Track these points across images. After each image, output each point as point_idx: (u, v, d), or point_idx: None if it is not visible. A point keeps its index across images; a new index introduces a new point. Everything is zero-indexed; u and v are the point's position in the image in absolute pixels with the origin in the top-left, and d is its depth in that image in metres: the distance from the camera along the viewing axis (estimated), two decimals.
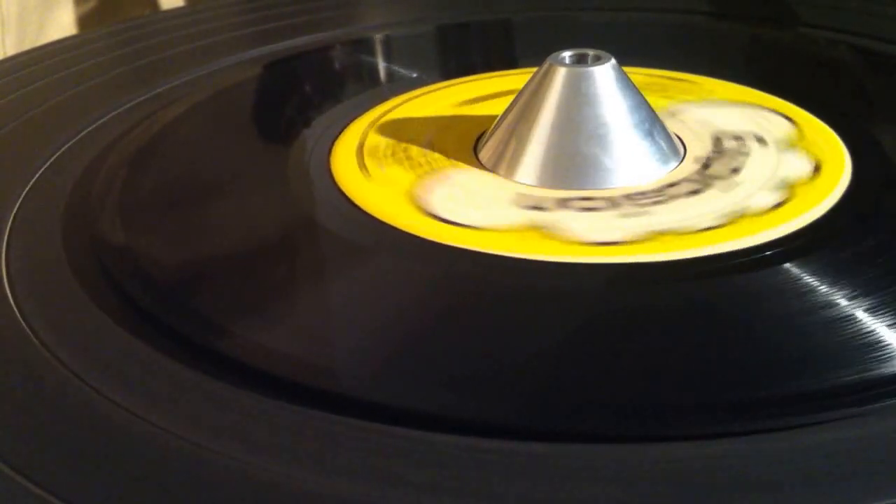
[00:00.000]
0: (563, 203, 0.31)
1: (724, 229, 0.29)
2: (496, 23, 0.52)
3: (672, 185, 0.32)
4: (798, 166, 0.33)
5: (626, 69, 0.34)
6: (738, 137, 0.35)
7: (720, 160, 0.34)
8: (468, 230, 0.30)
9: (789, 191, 0.31)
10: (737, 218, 0.30)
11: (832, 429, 0.21)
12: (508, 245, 0.29)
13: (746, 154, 0.34)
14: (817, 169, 0.33)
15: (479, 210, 0.31)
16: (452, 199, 0.32)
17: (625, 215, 0.30)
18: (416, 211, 0.31)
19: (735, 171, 0.33)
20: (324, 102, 0.42)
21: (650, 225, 0.30)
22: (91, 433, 0.22)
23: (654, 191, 0.32)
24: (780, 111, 0.38)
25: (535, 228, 0.30)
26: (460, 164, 0.34)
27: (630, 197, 0.32)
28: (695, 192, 0.32)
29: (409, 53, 0.49)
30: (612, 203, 0.31)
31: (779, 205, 0.31)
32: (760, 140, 0.35)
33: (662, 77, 0.41)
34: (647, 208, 0.31)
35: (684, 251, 0.28)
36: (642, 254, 0.28)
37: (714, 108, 0.38)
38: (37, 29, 0.63)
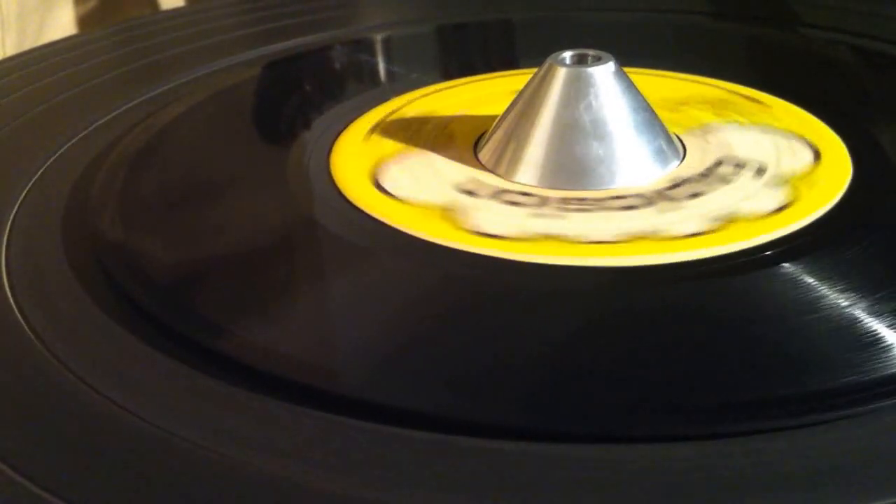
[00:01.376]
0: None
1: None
2: (496, 23, 0.52)
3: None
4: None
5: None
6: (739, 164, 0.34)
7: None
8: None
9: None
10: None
11: (832, 429, 0.21)
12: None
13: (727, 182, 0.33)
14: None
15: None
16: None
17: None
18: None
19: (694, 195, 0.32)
20: (324, 103, 0.42)
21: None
22: (91, 433, 0.22)
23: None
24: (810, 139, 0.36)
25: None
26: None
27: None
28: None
29: (409, 53, 0.49)
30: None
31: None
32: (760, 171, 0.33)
33: (732, 93, 0.40)
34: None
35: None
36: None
37: (746, 132, 0.36)
38: (37, 29, 0.63)
